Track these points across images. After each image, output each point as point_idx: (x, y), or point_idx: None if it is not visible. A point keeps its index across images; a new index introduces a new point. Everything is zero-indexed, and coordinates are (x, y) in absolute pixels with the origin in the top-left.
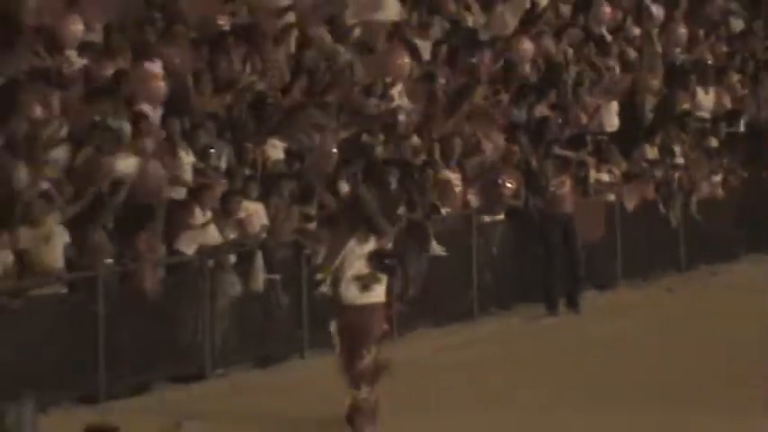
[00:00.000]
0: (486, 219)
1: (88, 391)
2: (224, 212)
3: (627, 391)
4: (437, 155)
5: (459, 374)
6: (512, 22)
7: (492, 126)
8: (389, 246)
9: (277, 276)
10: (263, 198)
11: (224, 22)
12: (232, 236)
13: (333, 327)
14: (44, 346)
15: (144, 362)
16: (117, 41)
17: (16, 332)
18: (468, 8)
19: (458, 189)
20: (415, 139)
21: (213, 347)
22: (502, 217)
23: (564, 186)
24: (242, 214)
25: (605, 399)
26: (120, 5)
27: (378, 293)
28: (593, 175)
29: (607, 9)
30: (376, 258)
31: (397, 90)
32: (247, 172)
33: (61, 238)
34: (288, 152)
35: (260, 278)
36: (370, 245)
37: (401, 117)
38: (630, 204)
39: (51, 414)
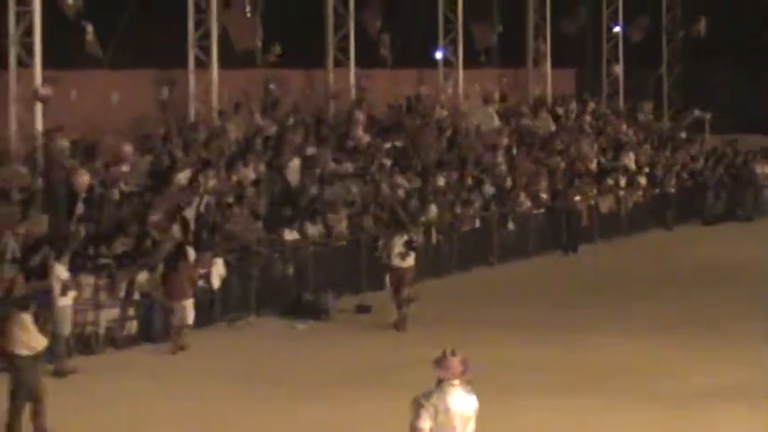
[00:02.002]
0: (534, 211)
1: (357, 288)
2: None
3: (606, 284)
4: (516, 183)
5: (528, 281)
6: (551, 124)
7: (540, 171)
8: (415, 236)
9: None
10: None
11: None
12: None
13: (387, 278)
14: (335, 265)
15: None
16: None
17: (322, 261)
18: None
19: (523, 199)
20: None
21: None
22: (543, 210)
23: (577, 197)
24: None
25: (596, 288)
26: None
27: (409, 261)
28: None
29: (588, 117)
30: (407, 244)
31: (499, 153)
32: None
33: (344, 222)
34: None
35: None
36: (405, 237)
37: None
38: (604, 207)
39: (341, 299)
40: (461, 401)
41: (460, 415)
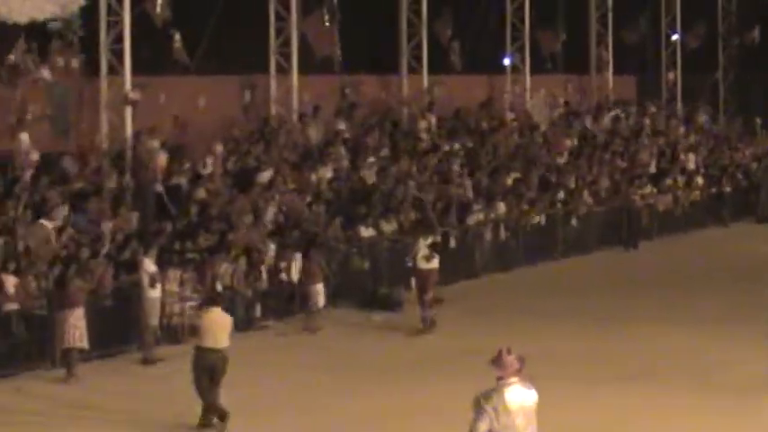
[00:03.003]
0: (596, 209)
1: None
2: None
3: (664, 279)
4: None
5: (590, 275)
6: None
7: (602, 171)
8: (438, 239)
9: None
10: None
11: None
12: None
13: (412, 280)
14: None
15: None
16: None
17: (396, 256)
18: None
19: (586, 197)
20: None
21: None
22: (604, 208)
23: (637, 196)
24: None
25: (654, 282)
26: None
27: (434, 263)
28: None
29: (647, 120)
30: (432, 246)
31: (565, 154)
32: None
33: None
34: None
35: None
36: (429, 239)
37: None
38: (661, 205)
39: (413, 292)
40: (521, 396)
41: (521, 410)
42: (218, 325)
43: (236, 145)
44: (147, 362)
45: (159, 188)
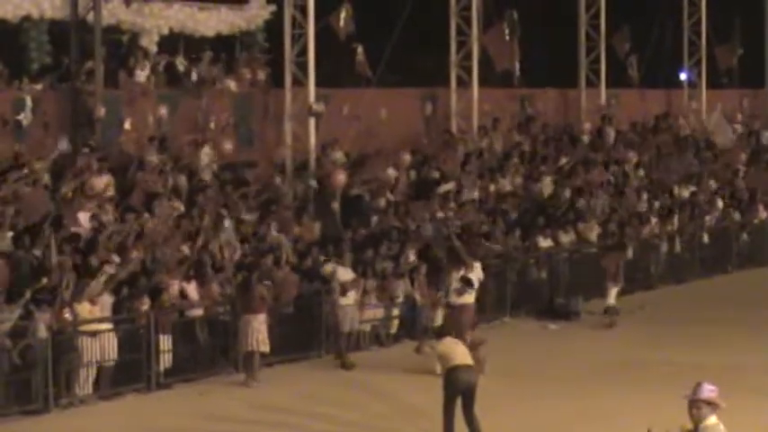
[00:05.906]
0: None
1: (604, 292)
2: None
3: None
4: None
5: (763, 288)
6: None
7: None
8: (473, 272)
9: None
10: None
11: None
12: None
13: (438, 314)
14: (585, 270)
15: None
16: None
17: (573, 267)
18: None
19: (761, 210)
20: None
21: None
22: None
23: None
24: None
25: None
26: None
27: (467, 298)
28: None
29: None
30: (463, 280)
31: (739, 167)
32: None
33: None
34: None
35: None
36: (461, 272)
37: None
38: None
39: (590, 302)
40: None
41: None
42: (458, 345)
43: (420, 156)
44: (344, 366)
45: (336, 206)
